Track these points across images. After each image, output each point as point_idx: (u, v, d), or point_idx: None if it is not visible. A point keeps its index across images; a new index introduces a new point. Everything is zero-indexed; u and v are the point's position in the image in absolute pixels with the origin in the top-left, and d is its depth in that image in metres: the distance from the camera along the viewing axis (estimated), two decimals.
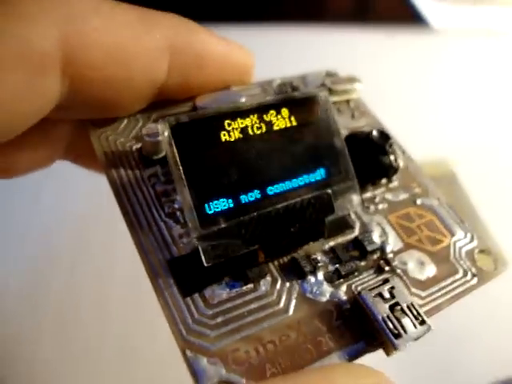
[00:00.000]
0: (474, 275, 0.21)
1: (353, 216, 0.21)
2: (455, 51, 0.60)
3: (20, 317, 0.35)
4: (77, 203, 0.40)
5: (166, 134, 0.17)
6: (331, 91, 0.24)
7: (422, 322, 0.18)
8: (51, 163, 0.23)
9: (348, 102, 0.25)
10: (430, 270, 0.20)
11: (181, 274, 0.18)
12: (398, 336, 0.17)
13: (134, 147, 0.21)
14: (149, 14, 0.20)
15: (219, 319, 0.17)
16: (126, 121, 0.22)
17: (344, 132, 0.24)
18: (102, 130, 0.21)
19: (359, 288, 0.19)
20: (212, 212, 0.17)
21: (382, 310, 0.18)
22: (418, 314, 0.18)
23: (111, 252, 0.35)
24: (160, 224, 0.19)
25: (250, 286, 0.18)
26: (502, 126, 0.53)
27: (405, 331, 0.18)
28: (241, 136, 0.18)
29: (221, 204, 0.17)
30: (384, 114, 0.26)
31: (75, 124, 0.22)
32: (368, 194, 0.22)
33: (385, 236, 0.21)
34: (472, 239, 0.22)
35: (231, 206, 0.18)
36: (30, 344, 0.34)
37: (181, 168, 0.17)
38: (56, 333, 0.34)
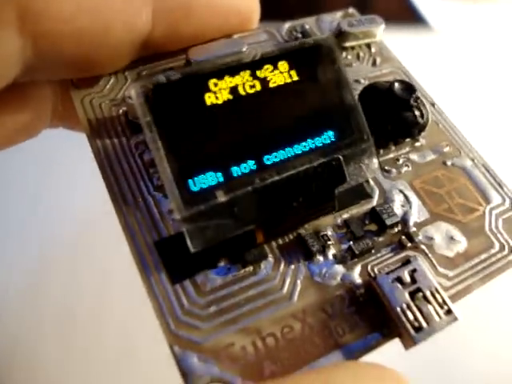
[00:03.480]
0: None
1: (371, 182, 0.18)
2: (455, 51, 0.55)
3: (20, 317, 0.33)
4: (77, 203, 0.38)
5: (139, 99, 0.14)
6: (348, 35, 0.20)
7: (448, 312, 0.15)
8: (39, 130, 0.20)
9: (369, 45, 0.21)
10: (461, 245, 0.17)
11: (169, 258, 0.15)
12: (418, 329, 0.14)
13: (121, 110, 0.18)
14: None
15: (212, 309, 0.15)
16: (112, 79, 0.18)
17: (364, 82, 0.20)
18: (84, 92, 0.18)
19: (376, 269, 0.16)
20: (198, 189, 0.14)
21: (401, 298, 0.15)
22: (444, 302, 0.15)
23: (111, 252, 0.32)
24: (147, 198, 0.16)
25: (249, 269, 0.15)
26: (502, 126, 0.48)
27: (427, 323, 0.14)
28: (230, 97, 0.15)
29: (208, 179, 0.14)
30: None
31: (59, 83, 0.19)
32: (390, 156, 0.18)
33: (408, 205, 0.17)
34: None
35: (221, 180, 0.14)
36: (30, 344, 0.32)
37: (158, 138, 0.14)
38: (56, 333, 0.33)
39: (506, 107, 0.51)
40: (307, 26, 0.21)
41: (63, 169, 0.40)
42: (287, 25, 0.21)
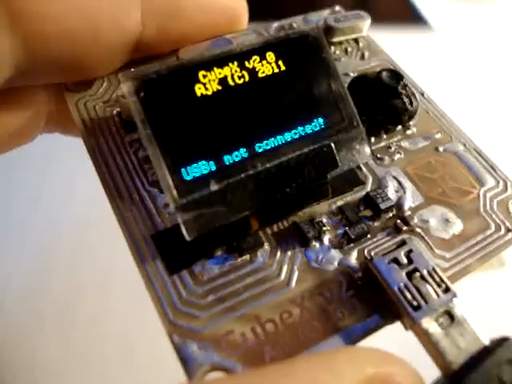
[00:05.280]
0: (508, 230, 0.17)
1: (364, 170, 0.18)
2: (455, 51, 0.55)
3: (20, 317, 0.33)
4: (77, 203, 0.38)
5: (131, 93, 0.14)
6: (335, 30, 0.20)
7: (446, 290, 0.15)
8: (33, 136, 0.20)
9: (357, 40, 0.21)
10: (456, 227, 0.17)
11: (166, 249, 0.15)
12: (417, 308, 0.14)
13: (115, 111, 0.18)
14: None
15: (210, 298, 0.15)
16: (105, 83, 0.19)
17: (353, 76, 0.20)
18: (79, 95, 0.18)
19: (373, 253, 0.16)
20: (191, 178, 0.14)
21: (399, 278, 0.15)
22: (441, 280, 0.15)
23: (112, 252, 0.33)
24: (143, 194, 0.16)
25: (246, 257, 0.15)
26: (502, 126, 0.48)
27: (425, 301, 0.14)
28: (219, 88, 0.15)
29: (200, 167, 0.14)
30: None
31: (54, 89, 0.19)
32: (382, 144, 0.19)
33: (402, 191, 0.17)
34: (505, 188, 0.18)
35: (213, 168, 0.14)
36: (30, 344, 0.32)
37: (150, 130, 0.14)
38: (56, 333, 0.33)
39: (505, 107, 0.51)
40: (295, 25, 0.21)
41: (63, 169, 0.40)
42: (275, 24, 0.21)
